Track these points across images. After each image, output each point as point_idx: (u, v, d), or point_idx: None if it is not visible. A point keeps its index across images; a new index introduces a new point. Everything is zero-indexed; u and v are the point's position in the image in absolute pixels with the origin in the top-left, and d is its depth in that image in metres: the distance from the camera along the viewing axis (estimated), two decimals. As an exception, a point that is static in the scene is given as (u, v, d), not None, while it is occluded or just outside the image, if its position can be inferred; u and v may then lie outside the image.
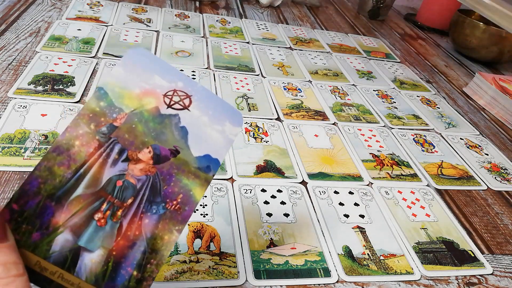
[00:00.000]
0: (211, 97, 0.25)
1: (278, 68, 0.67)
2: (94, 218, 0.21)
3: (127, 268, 0.22)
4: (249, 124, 0.51)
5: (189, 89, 0.25)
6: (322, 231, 0.38)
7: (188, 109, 0.24)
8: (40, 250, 0.20)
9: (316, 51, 0.78)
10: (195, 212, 0.36)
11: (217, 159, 0.24)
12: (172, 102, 0.24)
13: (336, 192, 0.43)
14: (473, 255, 0.39)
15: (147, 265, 0.22)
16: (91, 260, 0.21)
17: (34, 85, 0.49)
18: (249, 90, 0.59)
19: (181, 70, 0.60)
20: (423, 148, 0.55)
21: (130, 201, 0.22)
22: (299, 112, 0.56)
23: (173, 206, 0.23)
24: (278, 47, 0.76)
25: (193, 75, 0.59)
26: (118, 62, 0.24)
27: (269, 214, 0.38)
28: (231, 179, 0.41)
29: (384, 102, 0.65)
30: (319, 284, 0.33)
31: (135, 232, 0.22)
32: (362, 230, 0.39)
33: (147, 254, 0.22)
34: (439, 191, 0.47)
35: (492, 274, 0.37)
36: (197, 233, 0.35)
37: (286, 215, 0.39)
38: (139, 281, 0.21)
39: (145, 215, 0.22)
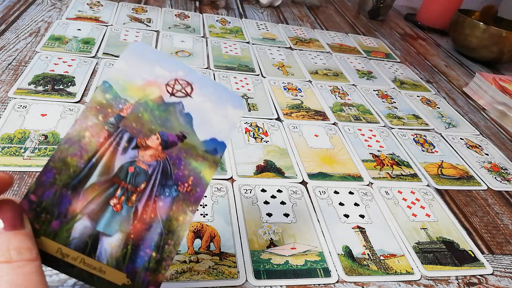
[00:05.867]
0: (211, 84, 0.26)
1: (278, 68, 0.67)
2: (110, 204, 0.22)
3: (146, 250, 0.22)
4: (249, 124, 0.51)
5: (189, 77, 0.26)
6: (322, 231, 0.38)
7: (190, 96, 0.25)
8: (60, 238, 0.21)
9: (316, 51, 0.78)
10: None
11: (223, 142, 0.25)
12: (174, 91, 0.25)
13: (336, 192, 0.43)
14: (473, 255, 0.39)
15: (165, 246, 0.22)
16: (110, 244, 0.22)
17: (34, 85, 0.49)
18: (249, 90, 0.59)
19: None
20: (423, 148, 0.55)
21: (143, 186, 0.23)
22: (299, 112, 0.56)
23: (185, 188, 0.24)
24: (278, 47, 0.76)
25: (193, 75, 0.59)
26: (120, 56, 0.25)
27: (269, 214, 0.38)
28: (231, 179, 0.41)
29: (384, 102, 0.65)
30: (319, 284, 0.33)
31: (150, 215, 0.23)
32: (362, 230, 0.39)
33: (164, 235, 0.23)
34: (439, 191, 0.47)
35: (492, 274, 0.37)
36: (197, 233, 0.35)
37: (286, 215, 0.39)
38: (159, 262, 0.22)
39: (159, 198, 0.23)
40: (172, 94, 0.25)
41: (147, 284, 0.22)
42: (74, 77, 0.52)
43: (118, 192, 0.23)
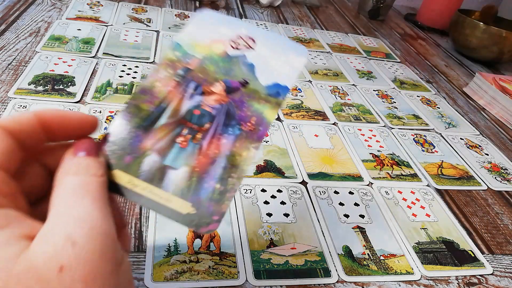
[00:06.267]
0: (273, 36, 0.29)
1: (278, 68, 0.67)
2: (176, 141, 0.25)
3: (210, 182, 0.24)
4: (249, 124, 0.51)
5: (251, 33, 0.29)
6: (322, 231, 0.38)
7: (253, 48, 0.28)
8: (131, 170, 0.23)
9: (316, 51, 0.78)
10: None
11: (286, 86, 0.27)
12: (237, 45, 0.28)
13: (336, 192, 0.43)
14: (473, 255, 0.39)
15: (228, 178, 0.24)
16: (176, 176, 0.24)
17: (34, 85, 0.49)
18: (249, 90, 0.59)
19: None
20: (423, 148, 0.55)
21: (207, 125, 0.25)
22: (299, 112, 0.56)
23: (248, 127, 0.26)
24: (278, 47, 0.75)
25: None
26: (189, 22, 0.29)
27: (269, 214, 0.38)
28: (231, 179, 0.41)
29: (384, 102, 0.65)
30: (319, 284, 0.33)
31: (214, 151, 0.25)
32: (362, 230, 0.39)
33: (227, 169, 0.24)
34: (439, 191, 0.47)
35: (492, 274, 0.37)
36: (197, 233, 0.35)
37: (286, 215, 0.39)
38: (222, 193, 0.24)
39: (222, 136, 0.25)
40: (235, 48, 0.28)
41: (211, 213, 0.23)
42: (74, 77, 0.52)
43: (185, 131, 0.25)
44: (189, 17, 0.80)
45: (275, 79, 0.27)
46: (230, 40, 0.28)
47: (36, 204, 0.23)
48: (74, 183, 0.20)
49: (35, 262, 0.17)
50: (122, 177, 0.23)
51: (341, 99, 0.62)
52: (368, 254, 0.37)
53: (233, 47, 0.28)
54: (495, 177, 0.52)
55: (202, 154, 0.24)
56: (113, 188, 0.23)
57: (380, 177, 0.47)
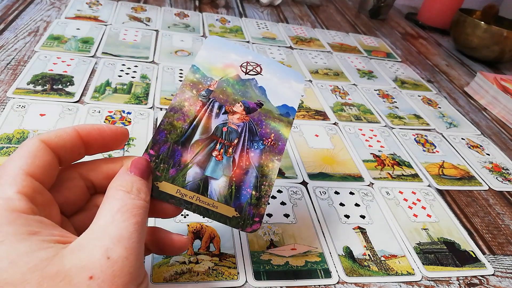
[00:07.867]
0: (275, 64, 0.33)
1: (278, 68, 0.67)
2: (212, 155, 0.28)
3: (247, 189, 0.27)
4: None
5: (257, 60, 0.32)
6: (322, 231, 0.38)
7: (261, 74, 0.32)
8: (177, 181, 0.26)
9: (317, 51, 0.77)
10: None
11: (293, 107, 0.32)
12: (247, 70, 0.32)
13: (336, 193, 0.43)
14: (474, 256, 0.39)
15: (261, 186, 0.28)
16: (218, 185, 0.27)
17: (33, 84, 0.48)
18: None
19: (181, 70, 0.59)
20: (424, 148, 0.54)
21: (236, 141, 0.29)
22: (299, 112, 0.56)
23: (269, 142, 0.29)
24: (278, 46, 0.75)
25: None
26: (201, 48, 0.32)
27: (269, 215, 0.38)
28: (231, 179, 0.41)
29: (385, 101, 0.65)
30: (319, 285, 0.33)
31: (246, 163, 0.28)
32: (362, 231, 0.39)
33: (259, 178, 0.28)
34: (440, 192, 0.47)
35: (493, 274, 0.37)
36: (197, 234, 0.34)
37: (286, 215, 0.38)
38: (259, 199, 0.28)
39: (250, 150, 0.29)
40: (246, 73, 0.31)
41: (253, 215, 0.27)
42: (73, 77, 0.52)
43: (218, 146, 0.28)
44: (188, 16, 0.79)
45: (284, 101, 0.31)
46: (240, 65, 0.32)
47: (71, 217, 0.25)
48: (125, 202, 0.21)
49: (68, 267, 0.18)
50: (170, 188, 0.26)
51: (342, 98, 0.62)
52: (368, 254, 0.36)
53: (244, 72, 0.31)
54: (497, 178, 0.52)
55: (236, 166, 0.28)
56: (165, 198, 0.25)
57: (381, 178, 0.47)
